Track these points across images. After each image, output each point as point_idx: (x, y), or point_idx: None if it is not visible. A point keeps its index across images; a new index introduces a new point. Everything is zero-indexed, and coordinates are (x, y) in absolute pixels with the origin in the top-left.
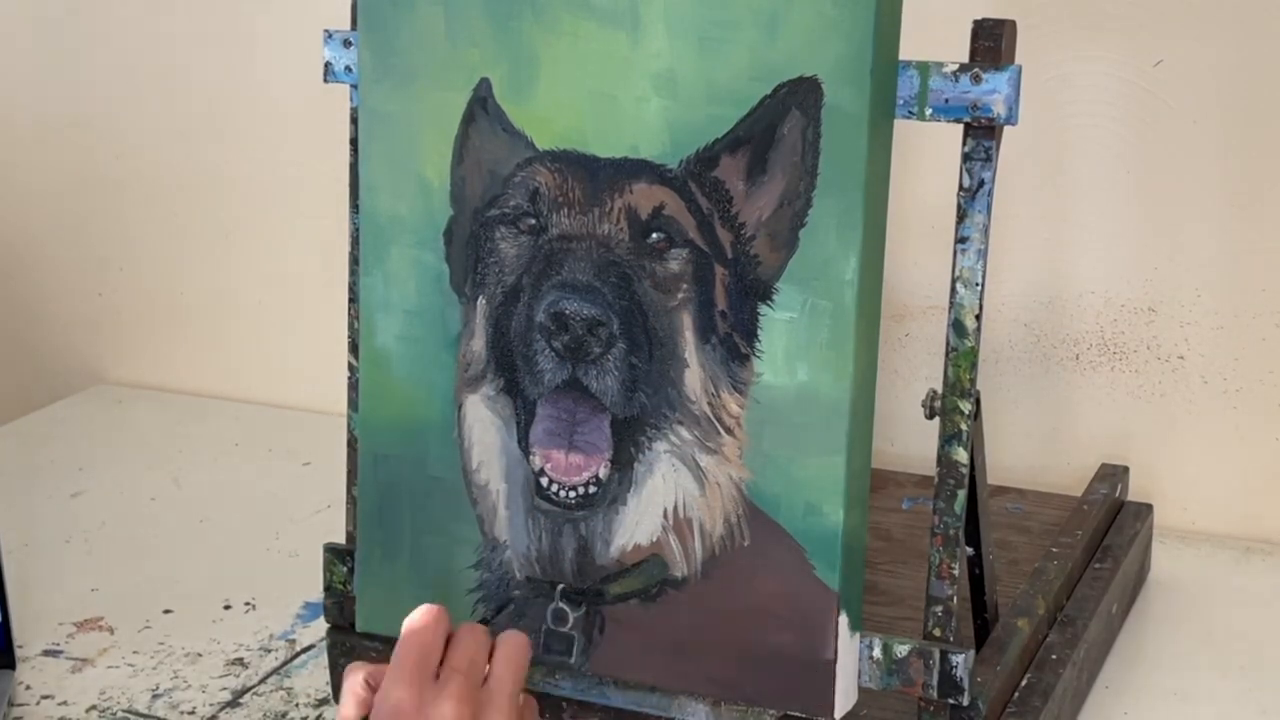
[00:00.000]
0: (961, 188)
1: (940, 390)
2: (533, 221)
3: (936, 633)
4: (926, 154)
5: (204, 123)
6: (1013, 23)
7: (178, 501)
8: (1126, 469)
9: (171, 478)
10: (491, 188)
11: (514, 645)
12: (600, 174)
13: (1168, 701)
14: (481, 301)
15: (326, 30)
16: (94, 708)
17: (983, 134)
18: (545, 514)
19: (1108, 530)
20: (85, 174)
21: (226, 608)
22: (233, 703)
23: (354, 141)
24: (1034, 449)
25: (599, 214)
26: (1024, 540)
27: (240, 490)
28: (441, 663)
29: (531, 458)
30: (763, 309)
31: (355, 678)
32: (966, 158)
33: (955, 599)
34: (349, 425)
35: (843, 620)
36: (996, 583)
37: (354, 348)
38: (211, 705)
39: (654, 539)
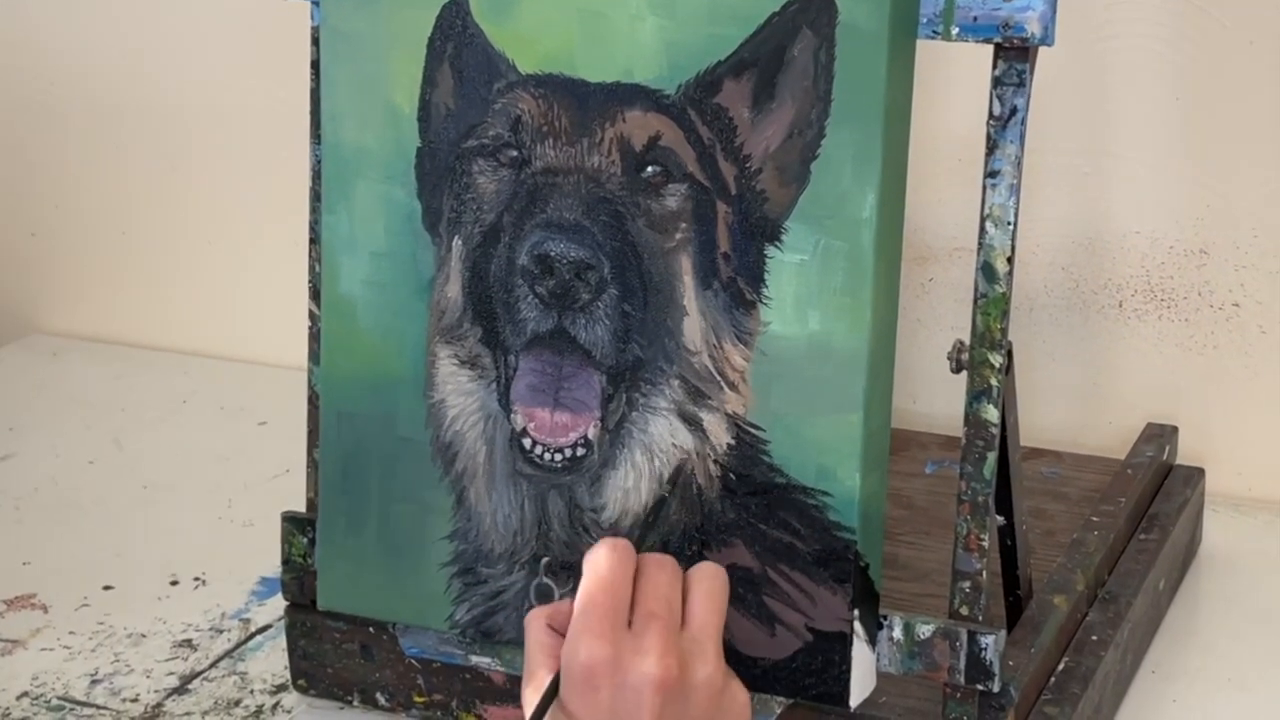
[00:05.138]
0: (991, 116)
1: (968, 341)
2: (514, 153)
3: (964, 611)
4: (952, 78)
5: (148, 44)
6: None
7: (119, 465)
8: (1175, 429)
9: (112, 438)
10: (469, 116)
11: (712, 580)
12: (589, 101)
13: (1221, 688)
14: (457, 242)
15: None
16: (25, 694)
17: (1015, 56)
18: (528, 479)
19: (1154, 497)
20: (16, 101)
21: (173, 584)
22: (180, 689)
23: (315, 64)
24: (1072, 407)
25: (588, 145)
26: (1061, 508)
27: (189, 453)
28: (633, 604)
29: (513, 416)
30: (770, 251)
31: (537, 624)
32: (997, 82)
33: (984, 574)
34: (309, 380)
35: (859, 598)
36: (1030, 555)
37: (315, 294)
38: (157, 692)
39: (649, 506)
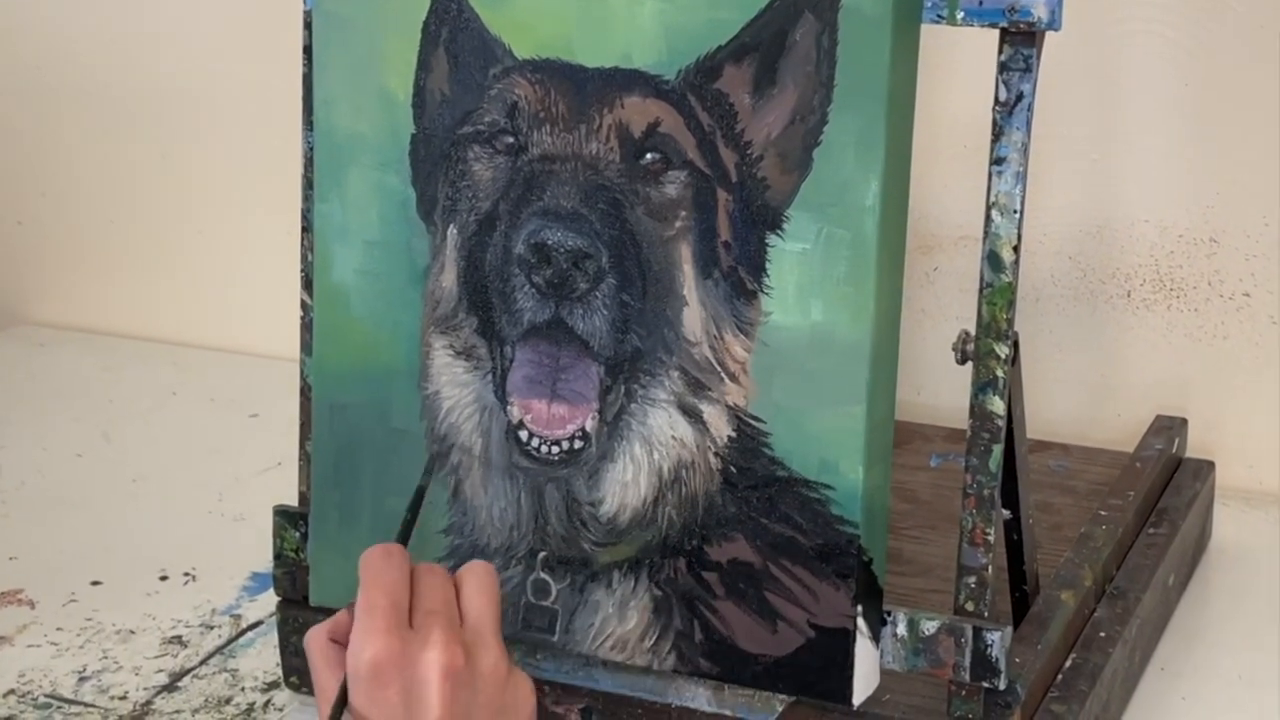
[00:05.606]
0: (997, 102)
1: (973, 332)
2: (511, 140)
3: (969, 607)
4: (958, 63)
5: (138, 28)
6: None
7: (108, 458)
8: (1184, 421)
9: (101, 431)
10: (464, 102)
11: (482, 575)
12: (587, 86)
13: (1231, 685)
14: (452, 231)
15: None
16: (12, 692)
17: (1022, 40)
18: (525, 472)
19: (1163, 491)
20: (2, 85)
21: (163, 579)
22: (170, 686)
23: (308, 49)
24: (1080, 399)
25: (586, 131)
26: (1068, 502)
27: (179, 445)
28: (410, 608)
29: (509, 408)
30: (771, 239)
31: (318, 639)
32: (1003, 68)
33: (990, 569)
34: (302, 371)
35: (862, 593)
36: (1037, 550)
37: (308, 283)
38: (146, 689)
39: (648, 500)
